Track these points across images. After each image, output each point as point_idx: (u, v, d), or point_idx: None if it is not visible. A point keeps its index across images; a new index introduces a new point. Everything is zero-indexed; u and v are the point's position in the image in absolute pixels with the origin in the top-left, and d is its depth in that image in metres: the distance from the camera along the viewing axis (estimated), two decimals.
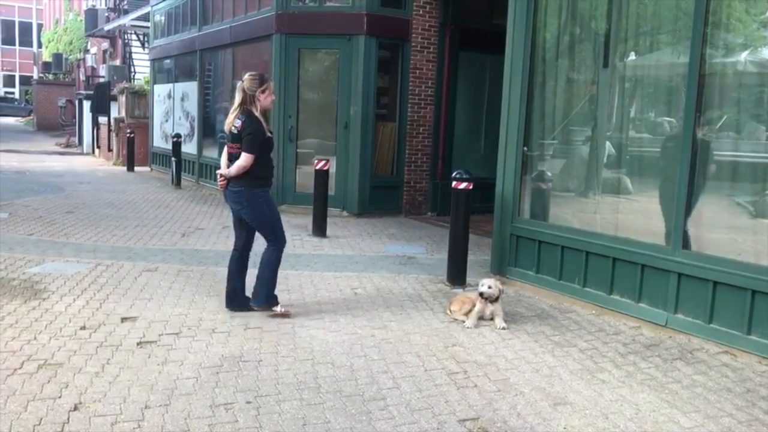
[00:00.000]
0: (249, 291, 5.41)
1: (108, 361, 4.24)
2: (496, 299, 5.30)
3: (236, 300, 5.39)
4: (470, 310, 5.31)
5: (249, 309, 5.34)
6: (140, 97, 18.53)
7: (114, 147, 19.34)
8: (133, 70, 22.81)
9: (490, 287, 5.29)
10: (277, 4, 10.50)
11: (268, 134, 5.15)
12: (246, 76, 5.14)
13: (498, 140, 6.84)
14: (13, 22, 53.64)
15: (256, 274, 5.30)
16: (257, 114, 5.08)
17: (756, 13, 5.27)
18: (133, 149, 16.92)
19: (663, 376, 4.39)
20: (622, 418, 3.75)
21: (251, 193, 5.13)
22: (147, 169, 17.22)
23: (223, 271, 6.64)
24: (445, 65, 10.82)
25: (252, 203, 5.15)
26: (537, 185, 6.76)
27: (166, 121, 16.32)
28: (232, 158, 5.13)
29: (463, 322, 5.29)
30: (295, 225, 9.33)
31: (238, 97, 5.10)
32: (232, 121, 5.09)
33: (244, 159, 5.01)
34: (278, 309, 5.31)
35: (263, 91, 5.08)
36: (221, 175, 5.19)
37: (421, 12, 10.52)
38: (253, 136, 5.01)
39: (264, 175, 5.20)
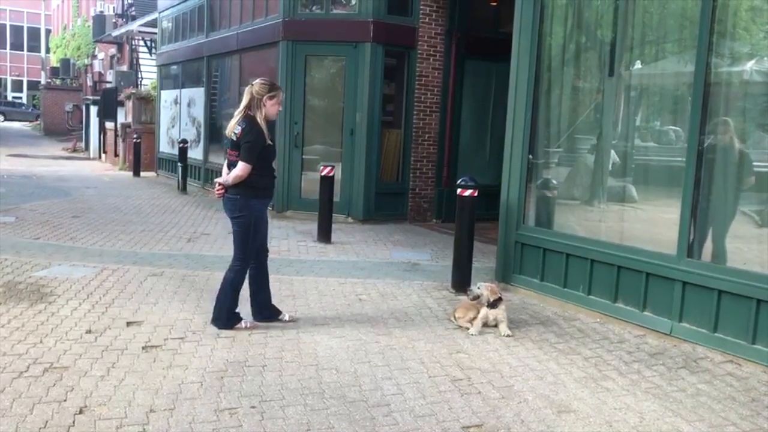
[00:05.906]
0: (274, 299, 5.41)
1: (113, 364, 4.26)
2: (494, 305, 5.30)
3: (267, 310, 5.28)
4: (475, 317, 5.31)
5: (277, 319, 5.27)
6: (147, 103, 18.63)
7: (120, 152, 19.43)
8: (140, 75, 22.94)
9: (478, 287, 5.34)
10: (284, 11, 10.57)
11: (269, 142, 4.93)
12: (257, 80, 4.96)
13: (503, 148, 6.85)
14: (22, 27, 54.07)
15: (217, 294, 5.10)
16: (260, 121, 4.87)
17: (762, 22, 5.28)
18: (140, 154, 16.99)
19: (667, 385, 4.38)
20: (626, 426, 3.74)
21: (246, 203, 4.91)
22: (153, 174, 17.28)
23: None
24: (451, 73, 10.85)
25: (244, 213, 4.92)
26: (542, 193, 6.77)
27: (173, 126, 16.40)
28: (231, 166, 4.93)
29: (468, 328, 5.29)
30: (300, 231, 9.36)
31: (245, 100, 4.91)
32: (233, 127, 4.90)
33: (241, 168, 4.80)
34: (243, 324, 5.08)
35: (271, 98, 4.88)
36: (219, 184, 4.95)
37: (427, 19, 10.56)
38: (251, 144, 4.81)
39: (263, 185, 4.98)
